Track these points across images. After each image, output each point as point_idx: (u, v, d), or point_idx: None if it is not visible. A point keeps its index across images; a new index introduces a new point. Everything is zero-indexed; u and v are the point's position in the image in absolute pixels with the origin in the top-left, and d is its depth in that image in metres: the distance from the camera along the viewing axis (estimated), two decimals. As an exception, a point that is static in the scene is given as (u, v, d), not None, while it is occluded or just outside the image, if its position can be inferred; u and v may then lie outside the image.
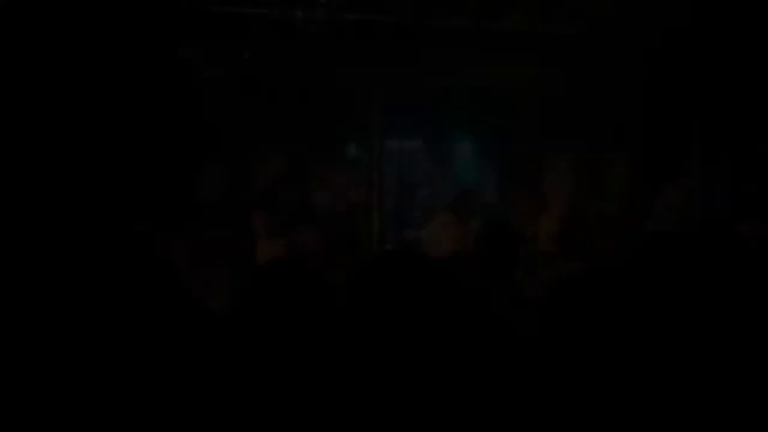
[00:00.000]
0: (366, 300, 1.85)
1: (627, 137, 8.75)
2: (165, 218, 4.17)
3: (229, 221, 7.22)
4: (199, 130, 7.42)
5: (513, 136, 8.89)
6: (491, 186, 9.29)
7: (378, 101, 6.02)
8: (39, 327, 1.81)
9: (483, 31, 5.51)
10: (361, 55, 5.84)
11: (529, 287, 4.32)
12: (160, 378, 1.77)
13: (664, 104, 6.83)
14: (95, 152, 5.94)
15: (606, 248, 6.36)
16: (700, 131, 6.89)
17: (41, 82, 5.13)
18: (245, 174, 7.29)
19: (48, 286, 1.94)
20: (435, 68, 6.02)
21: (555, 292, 2.33)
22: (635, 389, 1.33)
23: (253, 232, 6.52)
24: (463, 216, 6.22)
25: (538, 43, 5.81)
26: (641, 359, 1.30)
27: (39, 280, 1.95)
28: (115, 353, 1.78)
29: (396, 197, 8.96)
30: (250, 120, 7.28)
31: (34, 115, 5.26)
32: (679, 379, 1.25)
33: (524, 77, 6.21)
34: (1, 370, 1.68)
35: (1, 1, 4.48)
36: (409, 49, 5.84)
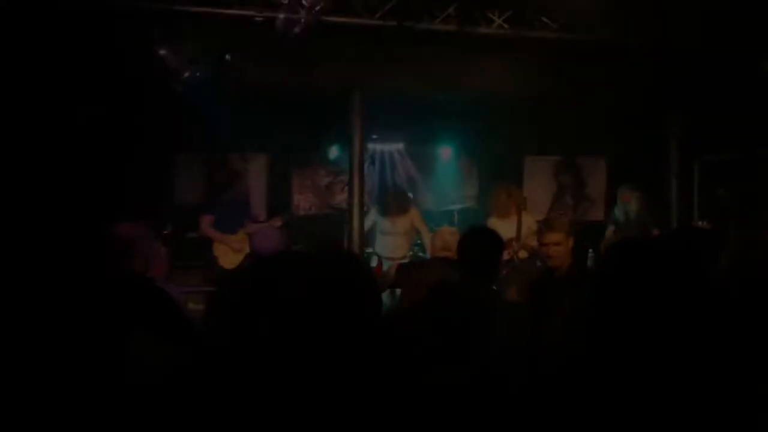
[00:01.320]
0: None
1: (607, 141, 8.84)
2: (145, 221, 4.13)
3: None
4: (177, 132, 7.39)
5: (494, 138, 8.95)
6: (472, 187, 9.35)
7: (359, 104, 6.02)
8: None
9: (465, 35, 5.53)
10: (342, 58, 5.84)
11: (509, 288, 4.35)
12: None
13: (643, 109, 6.92)
14: (71, 155, 5.89)
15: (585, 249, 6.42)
16: (677, 137, 6.98)
17: (18, 87, 5.09)
18: (224, 177, 7.23)
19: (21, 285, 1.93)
20: (417, 71, 6.04)
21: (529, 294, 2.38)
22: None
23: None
24: (384, 212, 6.64)
25: (518, 47, 5.85)
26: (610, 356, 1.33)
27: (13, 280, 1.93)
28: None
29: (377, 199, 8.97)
30: (231, 122, 7.25)
31: (10, 119, 5.21)
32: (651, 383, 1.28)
33: (506, 80, 6.25)
34: None
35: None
36: (391, 53, 5.85)
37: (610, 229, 7.46)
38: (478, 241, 3.07)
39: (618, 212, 7.54)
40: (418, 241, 7.97)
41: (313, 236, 7.29)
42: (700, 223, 6.99)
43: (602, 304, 1.34)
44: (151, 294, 3.24)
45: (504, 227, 6.18)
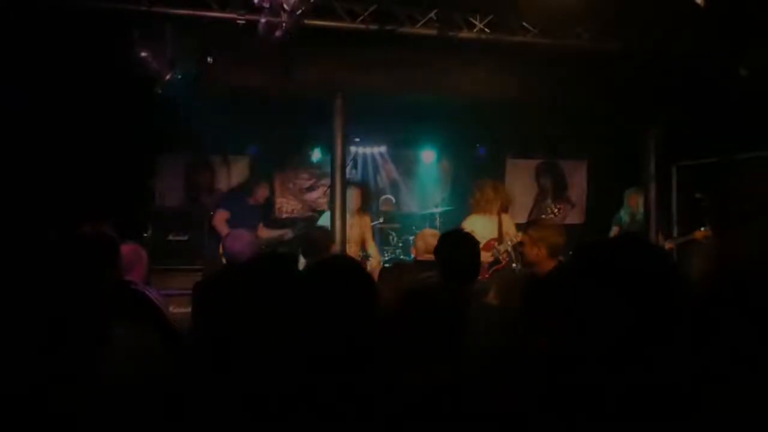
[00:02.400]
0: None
1: (587, 144, 8.92)
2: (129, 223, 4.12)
3: (190, 226, 7.19)
4: (159, 135, 7.36)
5: (475, 141, 9.00)
6: (454, 189, 9.40)
7: (341, 107, 6.02)
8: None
9: (446, 39, 5.56)
10: (324, 61, 5.85)
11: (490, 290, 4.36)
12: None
13: (621, 112, 6.98)
14: (52, 157, 5.84)
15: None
16: (655, 140, 7.05)
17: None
18: (206, 179, 7.24)
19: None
20: (398, 75, 6.06)
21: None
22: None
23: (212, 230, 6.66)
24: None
25: (499, 51, 5.89)
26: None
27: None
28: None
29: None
30: (212, 125, 7.23)
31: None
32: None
33: (486, 84, 6.29)
34: None
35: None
36: (373, 56, 5.87)
37: (614, 231, 7.54)
38: (455, 245, 3.10)
39: (623, 214, 7.63)
40: (400, 243, 8.00)
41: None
42: (702, 228, 7.05)
43: (564, 304, 1.37)
44: (131, 296, 3.24)
45: (485, 226, 6.17)
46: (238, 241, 3.92)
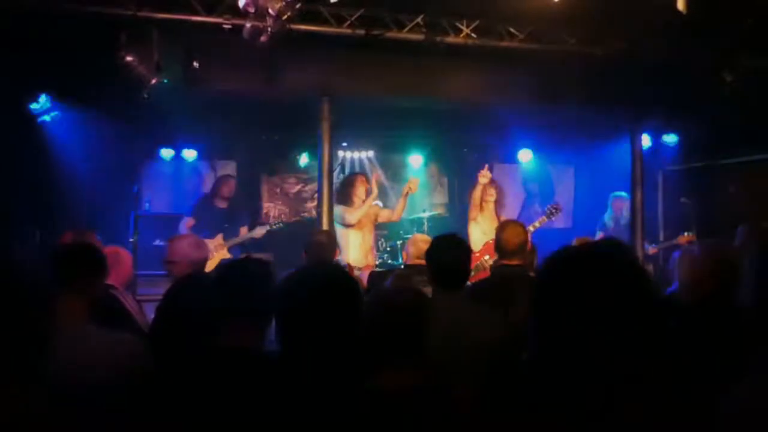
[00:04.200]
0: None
1: (575, 149, 8.95)
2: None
3: (176, 232, 7.14)
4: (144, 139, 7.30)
5: (463, 146, 9.01)
6: (442, 194, 9.41)
7: (328, 111, 6.01)
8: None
9: (432, 44, 5.57)
10: (311, 66, 5.83)
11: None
12: None
13: (607, 117, 7.02)
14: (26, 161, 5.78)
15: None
16: (641, 145, 7.08)
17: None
18: (193, 185, 7.19)
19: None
20: (385, 80, 6.05)
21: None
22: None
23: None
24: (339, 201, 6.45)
25: (486, 56, 5.91)
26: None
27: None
28: None
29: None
30: (199, 129, 7.20)
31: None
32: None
33: (473, 88, 6.30)
34: None
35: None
36: (360, 61, 5.87)
37: (599, 235, 7.56)
38: (445, 250, 3.08)
39: (608, 219, 7.66)
40: (388, 248, 7.98)
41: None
42: (686, 233, 7.08)
43: (542, 308, 1.37)
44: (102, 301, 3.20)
45: (487, 229, 6.16)
46: (200, 248, 3.84)
